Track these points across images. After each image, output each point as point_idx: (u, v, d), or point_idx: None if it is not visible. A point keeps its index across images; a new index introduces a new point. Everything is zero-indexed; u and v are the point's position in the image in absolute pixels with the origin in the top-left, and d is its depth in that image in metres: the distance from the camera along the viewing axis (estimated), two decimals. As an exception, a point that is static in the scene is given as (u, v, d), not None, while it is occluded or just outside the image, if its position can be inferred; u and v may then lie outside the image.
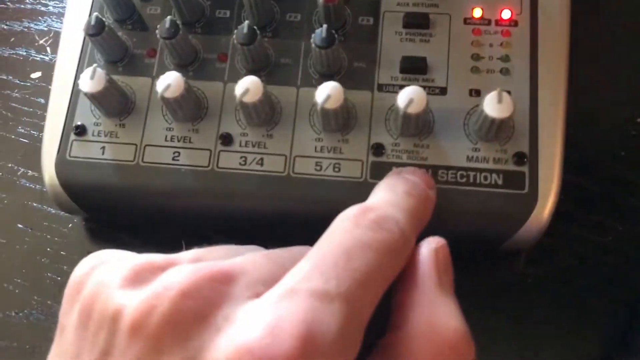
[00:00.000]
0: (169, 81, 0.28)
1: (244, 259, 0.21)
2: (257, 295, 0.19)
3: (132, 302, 0.18)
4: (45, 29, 0.39)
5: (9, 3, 0.41)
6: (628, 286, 0.31)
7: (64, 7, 0.40)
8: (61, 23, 0.39)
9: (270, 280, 0.20)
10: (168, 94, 0.28)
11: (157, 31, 0.29)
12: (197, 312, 0.18)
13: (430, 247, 0.23)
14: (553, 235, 0.29)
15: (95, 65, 0.29)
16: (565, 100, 0.29)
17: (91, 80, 0.28)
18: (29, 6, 0.40)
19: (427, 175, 0.27)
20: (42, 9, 0.40)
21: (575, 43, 0.30)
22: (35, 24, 0.40)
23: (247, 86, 0.27)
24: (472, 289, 0.26)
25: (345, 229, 0.21)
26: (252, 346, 0.17)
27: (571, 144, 0.30)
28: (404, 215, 0.23)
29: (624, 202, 0.32)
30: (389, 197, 0.24)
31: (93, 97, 0.29)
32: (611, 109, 0.34)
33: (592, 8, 0.35)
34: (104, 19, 0.29)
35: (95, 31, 0.29)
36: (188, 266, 0.20)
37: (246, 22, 0.28)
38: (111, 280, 0.19)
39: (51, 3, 0.40)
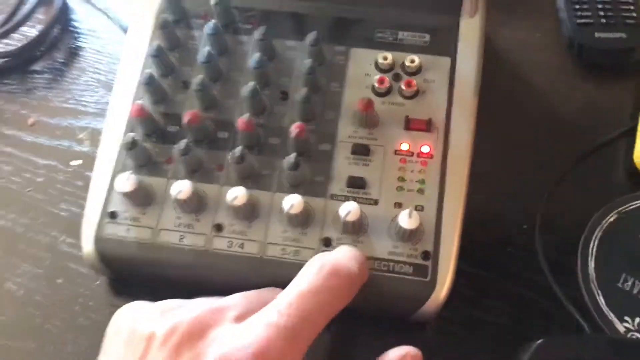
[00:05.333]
0: (181, 188, 0.39)
1: (231, 298, 0.34)
2: (238, 321, 0.31)
3: (162, 328, 0.31)
4: (85, 125, 0.51)
5: (57, 102, 0.52)
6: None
7: (100, 108, 0.52)
8: (97, 122, 0.51)
9: (246, 312, 0.32)
10: (180, 196, 0.39)
11: (174, 149, 0.41)
12: (200, 332, 0.30)
13: (399, 352, 0.34)
14: (455, 315, 0.41)
15: (129, 171, 0.40)
16: (463, 214, 0.41)
17: (126, 182, 0.40)
18: (72, 106, 0.52)
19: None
20: (82, 109, 0.52)
21: (474, 164, 0.42)
22: (76, 121, 0.51)
23: (236, 194, 0.39)
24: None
25: (307, 276, 0.33)
26: (228, 356, 0.28)
27: (473, 243, 0.41)
28: (357, 266, 0.35)
29: (508, 288, 0.43)
30: (349, 251, 0.37)
31: (125, 195, 0.40)
32: (503, 216, 0.45)
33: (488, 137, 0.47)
34: (136, 138, 0.41)
35: (130, 147, 0.41)
36: (195, 304, 0.33)
37: (239, 148, 0.40)
38: (144, 318, 0.32)
39: (90, 105, 0.52)
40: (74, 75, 0.54)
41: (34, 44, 0.55)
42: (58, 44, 0.56)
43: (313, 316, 0.32)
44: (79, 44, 0.56)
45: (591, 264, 0.42)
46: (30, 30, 0.56)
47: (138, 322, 0.32)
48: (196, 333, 0.30)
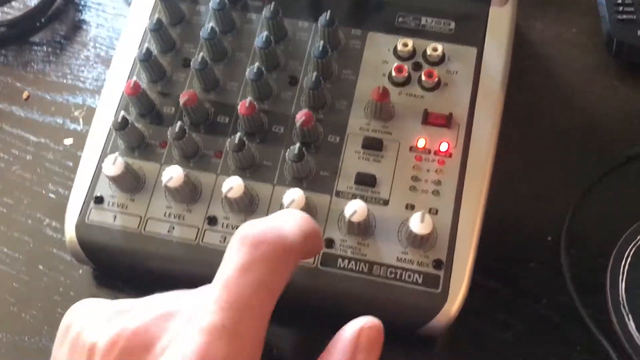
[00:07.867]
0: (172, 174, 0.36)
1: (189, 295, 0.28)
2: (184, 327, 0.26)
3: (104, 338, 0.26)
4: (80, 102, 0.48)
5: (54, 77, 0.49)
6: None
7: (99, 85, 0.49)
8: (94, 99, 0.48)
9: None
10: (170, 184, 0.36)
11: (168, 132, 0.37)
12: (143, 346, 0.26)
13: (354, 327, 0.27)
14: (466, 332, 0.37)
15: (117, 153, 0.37)
16: (481, 221, 0.37)
17: (112, 166, 0.36)
18: (69, 81, 0.49)
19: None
20: (80, 85, 0.49)
21: (496, 167, 0.38)
22: (72, 97, 0.48)
23: (231, 185, 0.35)
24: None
25: (230, 256, 0.27)
26: None
27: (489, 253, 0.37)
28: (295, 229, 0.28)
29: (527, 307, 0.39)
30: (283, 214, 0.30)
31: (112, 179, 0.37)
32: (527, 226, 0.41)
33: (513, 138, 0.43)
34: (127, 117, 0.38)
35: (120, 127, 0.37)
36: (145, 308, 0.27)
37: (238, 134, 0.37)
38: (90, 324, 0.28)
39: (88, 81, 0.49)
40: (74, 50, 0.51)
41: (35, 13, 0.52)
42: (60, 15, 0.53)
43: (251, 301, 0.26)
44: (83, 17, 0.53)
45: (622, 285, 0.38)
46: None
47: (84, 327, 0.28)
48: (138, 347, 0.26)
